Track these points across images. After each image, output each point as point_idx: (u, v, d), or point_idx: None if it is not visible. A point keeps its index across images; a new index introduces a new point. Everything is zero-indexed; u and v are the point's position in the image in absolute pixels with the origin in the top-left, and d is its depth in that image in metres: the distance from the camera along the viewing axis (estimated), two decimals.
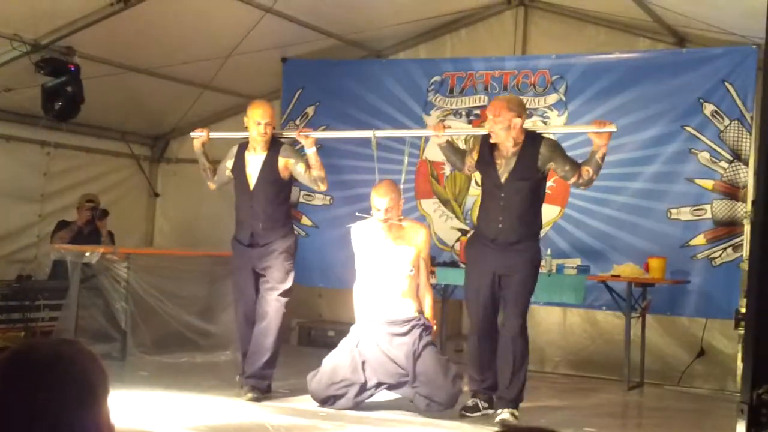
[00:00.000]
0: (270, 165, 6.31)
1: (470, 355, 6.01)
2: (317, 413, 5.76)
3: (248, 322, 6.35)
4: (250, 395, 6.10)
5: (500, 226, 5.78)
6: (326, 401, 5.96)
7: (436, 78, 8.74)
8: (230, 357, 7.81)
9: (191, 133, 6.78)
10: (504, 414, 5.67)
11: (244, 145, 6.47)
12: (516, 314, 5.76)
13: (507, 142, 5.75)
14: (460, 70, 8.68)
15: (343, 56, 9.22)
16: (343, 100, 8.98)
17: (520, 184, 5.76)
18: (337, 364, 6.00)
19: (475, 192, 8.49)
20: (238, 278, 6.44)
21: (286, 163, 6.32)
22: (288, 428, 5.27)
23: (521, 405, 5.80)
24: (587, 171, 5.71)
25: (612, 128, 5.69)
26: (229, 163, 6.49)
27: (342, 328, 8.97)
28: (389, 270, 6.04)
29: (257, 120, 6.28)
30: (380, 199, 5.98)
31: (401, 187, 6.44)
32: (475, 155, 6.01)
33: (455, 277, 7.49)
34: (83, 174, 9.33)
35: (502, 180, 5.78)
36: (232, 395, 6.17)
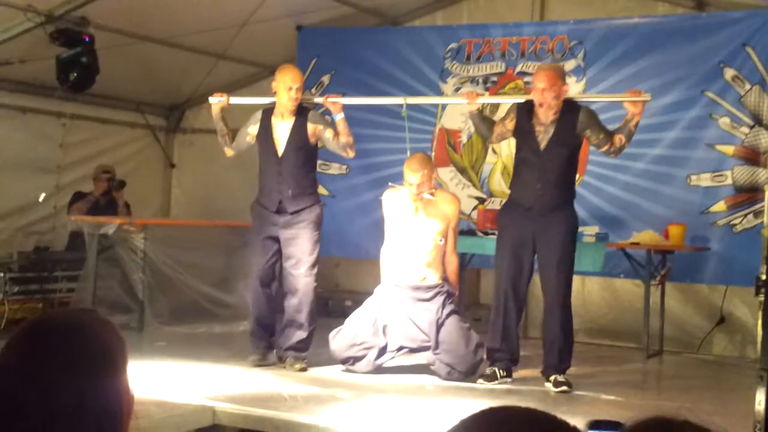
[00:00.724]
0: (299, 131, 6.22)
1: (496, 325, 5.99)
2: (336, 382, 5.76)
3: (263, 286, 6.31)
4: (298, 365, 6.10)
5: (539, 193, 5.83)
6: (346, 361, 6.08)
7: (453, 45, 8.65)
8: (247, 327, 7.81)
9: (210, 98, 6.64)
10: (549, 384, 5.87)
11: (269, 111, 6.33)
12: (563, 282, 5.88)
13: (550, 110, 5.80)
14: (477, 36, 8.59)
15: (358, 24, 9.15)
16: (359, 68, 8.91)
17: (560, 151, 5.84)
18: (359, 325, 6.11)
19: (492, 160, 8.44)
20: (257, 241, 6.33)
21: (314, 128, 6.24)
22: (305, 398, 5.26)
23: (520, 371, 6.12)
24: (620, 139, 5.84)
25: (646, 97, 5.85)
26: (253, 129, 6.36)
27: (359, 298, 8.92)
28: (417, 241, 6.12)
29: (289, 85, 6.15)
30: (413, 174, 6.02)
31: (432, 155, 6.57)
32: (510, 124, 6.00)
33: (472, 246, 7.45)
34: (99, 145, 9.32)
35: (542, 147, 5.84)
36: (249, 365, 6.17)
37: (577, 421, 1.84)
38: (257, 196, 6.42)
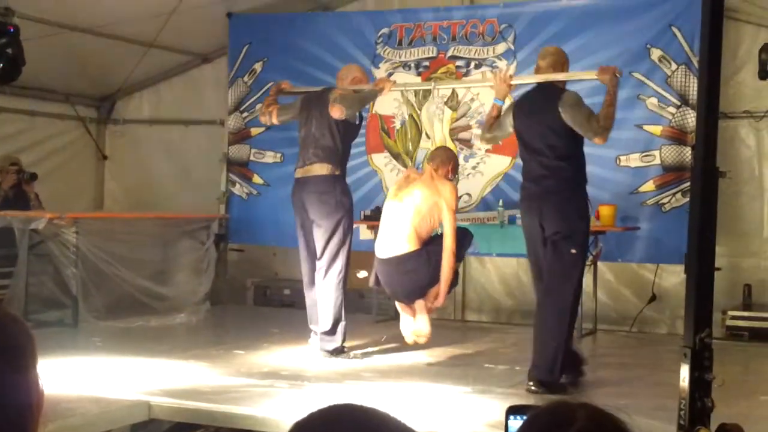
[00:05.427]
0: None
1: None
2: (274, 373, 5.74)
3: None
4: None
5: None
6: None
7: (384, 30, 8.65)
8: (185, 320, 7.77)
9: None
10: None
11: None
12: None
13: None
14: (408, 21, 8.60)
15: (290, 10, 9.10)
16: (291, 55, 8.86)
17: None
18: None
19: (425, 145, 8.46)
20: None
21: None
22: (243, 387, 5.25)
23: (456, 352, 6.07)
24: None
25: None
26: None
27: (298, 287, 8.96)
28: None
29: None
30: None
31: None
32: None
33: None
34: (28, 138, 9.14)
35: None
36: (186, 358, 6.13)
37: (508, 402, 1.89)
38: None
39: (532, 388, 5.18)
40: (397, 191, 6.13)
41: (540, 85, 5.61)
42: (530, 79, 5.91)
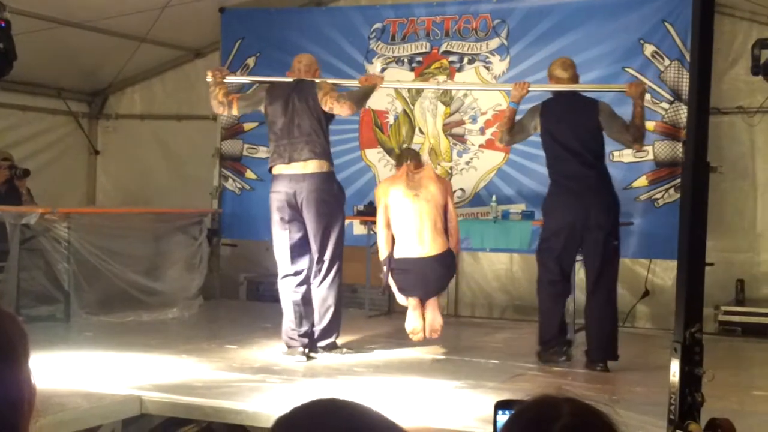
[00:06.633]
0: None
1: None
2: (266, 368, 5.74)
3: None
4: None
5: None
6: None
7: (378, 25, 8.64)
8: (177, 314, 7.76)
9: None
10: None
11: None
12: None
13: None
14: (401, 16, 8.59)
15: (282, 5, 9.08)
16: (284, 49, 8.80)
17: None
18: None
19: (419, 140, 8.46)
20: None
21: None
22: (235, 382, 5.24)
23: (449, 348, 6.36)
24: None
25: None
26: None
27: None
28: None
29: None
30: None
31: None
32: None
33: None
34: (20, 133, 9.14)
35: None
36: (178, 353, 6.12)
37: (500, 397, 1.90)
38: None
39: (599, 367, 5.83)
40: (409, 190, 6.14)
41: (570, 93, 6.03)
42: (548, 88, 6.23)
